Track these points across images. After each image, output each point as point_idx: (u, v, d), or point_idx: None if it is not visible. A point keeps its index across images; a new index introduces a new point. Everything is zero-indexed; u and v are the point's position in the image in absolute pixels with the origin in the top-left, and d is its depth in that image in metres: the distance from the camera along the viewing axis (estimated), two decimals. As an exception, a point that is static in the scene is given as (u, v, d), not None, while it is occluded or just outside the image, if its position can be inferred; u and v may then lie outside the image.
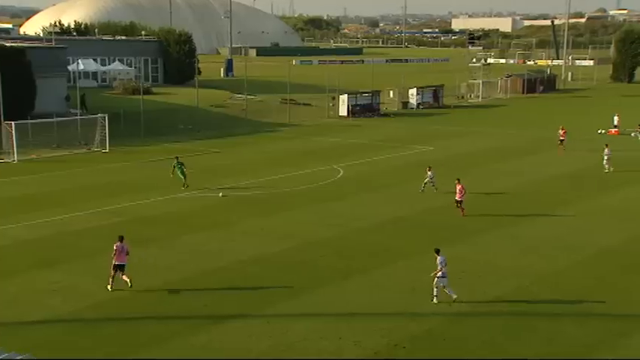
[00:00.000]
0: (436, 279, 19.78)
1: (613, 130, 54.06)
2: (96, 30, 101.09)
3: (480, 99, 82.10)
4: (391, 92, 75.44)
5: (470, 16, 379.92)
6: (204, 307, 19.55)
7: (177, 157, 35.14)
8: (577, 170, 39.73)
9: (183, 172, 34.14)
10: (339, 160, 42.71)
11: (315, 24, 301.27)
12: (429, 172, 33.49)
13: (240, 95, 69.22)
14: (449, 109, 72.99)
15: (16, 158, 41.85)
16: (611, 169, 38.08)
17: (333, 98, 67.94)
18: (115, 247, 20.63)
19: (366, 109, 67.64)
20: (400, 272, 22.37)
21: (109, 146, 45.41)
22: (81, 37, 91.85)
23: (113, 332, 17.99)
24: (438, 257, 19.94)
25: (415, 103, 73.68)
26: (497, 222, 28.41)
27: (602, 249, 25.10)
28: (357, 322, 18.55)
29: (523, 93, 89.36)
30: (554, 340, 17.50)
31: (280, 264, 23.28)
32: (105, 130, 45.59)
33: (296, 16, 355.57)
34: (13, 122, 41.97)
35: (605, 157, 38.43)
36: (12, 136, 41.73)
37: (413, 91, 74.56)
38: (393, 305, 19.64)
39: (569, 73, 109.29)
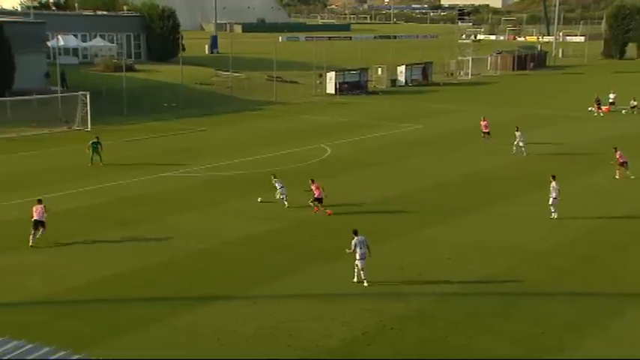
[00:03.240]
0: (356, 260, 19.64)
1: (604, 108, 54.08)
2: (76, 4, 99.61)
3: (469, 76, 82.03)
4: (379, 69, 75.18)
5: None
6: (188, 289, 19.48)
7: (97, 137, 35.19)
8: (566, 148, 39.82)
9: (97, 152, 34.29)
10: (326, 138, 42.56)
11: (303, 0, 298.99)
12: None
13: (225, 72, 68.67)
14: (438, 87, 72.87)
15: (-6, 137, 41.38)
16: (524, 152, 37.05)
17: (320, 75, 67.62)
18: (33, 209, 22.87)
19: (354, 86, 67.39)
20: (388, 252, 22.36)
21: (91, 125, 44.96)
22: (60, 12, 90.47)
23: (94, 315, 17.89)
24: (356, 238, 19.69)
25: (404, 81, 73.50)
26: (486, 201, 28.45)
27: (592, 229, 25.21)
28: (345, 302, 18.55)
29: (513, 70, 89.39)
30: (543, 320, 17.60)
31: (267, 245, 23.22)
32: (86, 108, 45.11)
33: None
34: (-9, 99, 41.43)
35: (520, 143, 37.16)
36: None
37: (401, 69, 74.34)
38: (380, 286, 19.64)
39: (560, 50, 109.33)
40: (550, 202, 26.08)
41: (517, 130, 37.86)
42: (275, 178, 28.19)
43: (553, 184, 26.13)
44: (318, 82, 67.12)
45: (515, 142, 37.35)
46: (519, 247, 23.12)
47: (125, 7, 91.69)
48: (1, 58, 49.95)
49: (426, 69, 76.80)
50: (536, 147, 39.63)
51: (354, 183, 31.81)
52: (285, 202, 27.44)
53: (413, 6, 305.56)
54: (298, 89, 66.74)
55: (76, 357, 9.45)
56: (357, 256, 19.66)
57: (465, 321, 17.58)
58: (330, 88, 65.88)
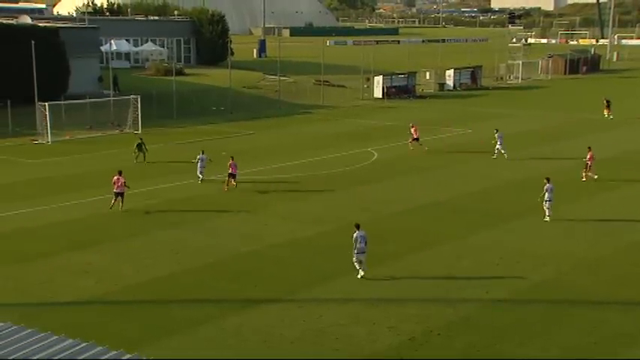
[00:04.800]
0: (355, 254, 20.24)
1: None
2: (129, 10, 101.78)
3: (519, 80, 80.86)
4: (427, 73, 74.73)
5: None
6: (237, 291, 19.69)
7: (141, 139, 37.54)
8: (620, 154, 38.93)
9: (142, 151, 36.58)
10: (373, 142, 42.50)
11: (350, 3, 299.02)
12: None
13: (273, 76, 69.20)
14: (487, 91, 72.04)
15: (49, 139, 42.51)
16: (505, 154, 36.70)
17: (368, 79, 67.55)
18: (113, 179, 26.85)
19: (401, 90, 67.13)
20: (436, 257, 22.23)
21: (142, 128, 45.86)
22: (114, 17, 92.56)
23: (145, 315, 18.23)
24: (357, 232, 20.30)
25: (452, 85, 72.89)
26: (535, 207, 27.96)
27: (647, 236, 24.59)
28: (391, 307, 18.50)
29: (565, 74, 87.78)
30: (596, 329, 17.23)
31: (314, 248, 23.32)
32: (137, 111, 46.02)
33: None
34: (47, 103, 42.54)
35: (498, 145, 36.95)
36: (46, 117, 42.37)
37: (450, 72, 73.75)
38: (428, 291, 19.54)
39: (615, 53, 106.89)
40: (545, 206, 26.06)
41: (496, 132, 37.70)
42: (202, 154, 32.17)
43: (547, 185, 26.09)
44: (365, 86, 67.07)
45: (495, 144, 37.21)
46: (570, 253, 22.69)
47: (176, 12, 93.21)
48: (57, 62, 51.35)
49: (475, 73, 76.03)
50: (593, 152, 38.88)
51: (401, 187, 31.67)
52: (201, 175, 31.76)
53: (462, 10, 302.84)
54: (345, 93, 66.79)
55: (127, 357, 9.65)
56: (356, 251, 20.20)
57: (513, 328, 17.34)
58: (378, 92, 65.75)
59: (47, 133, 42.60)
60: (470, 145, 41.79)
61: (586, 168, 32.47)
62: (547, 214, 26.12)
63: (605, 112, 52.83)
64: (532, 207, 28.08)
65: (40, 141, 42.83)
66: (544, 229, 25.33)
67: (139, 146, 36.89)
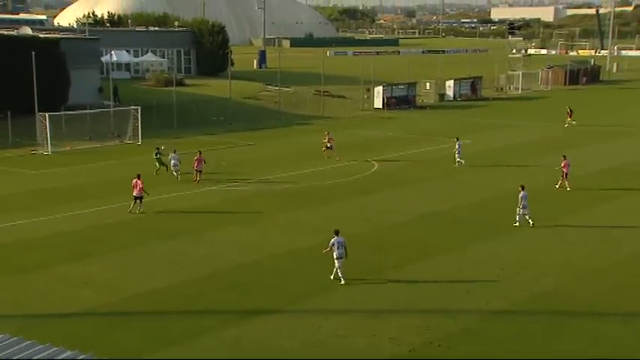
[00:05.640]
0: (334, 260, 20.64)
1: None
2: (129, 21, 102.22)
3: (519, 91, 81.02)
4: (427, 84, 74.91)
5: (510, 5, 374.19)
6: (235, 302, 19.67)
7: (157, 148, 37.10)
8: (620, 165, 38.96)
9: (161, 162, 36.19)
10: (373, 153, 42.55)
11: (351, 14, 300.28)
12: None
13: (273, 87, 69.36)
14: (487, 102, 72.19)
15: (49, 150, 42.57)
16: (462, 162, 37.97)
17: (368, 90, 67.70)
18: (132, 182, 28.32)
19: (401, 101, 67.27)
20: (436, 268, 22.21)
21: (142, 138, 45.91)
22: (114, 28, 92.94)
23: (144, 326, 18.19)
24: (335, 238, 20.70)
25: (452, 95, 73.05)
26: (536, 218, 27.98)
27: (648, 246, 24.57)
28: (391, 318, 18.47)
29: (565, 85, 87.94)
30: (597, 340, 17.20)
31: (313, 258, 23.26)
32: (138, 122, 46.09)
33: (331, 6, 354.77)
34: (47, 114, 42.63)
35: (456, 153, 38.18)
36: (46, 127, 42.44)
37: (450, 83, 73.94)
38: (428, 302, 19.51)
39: (615, 64, 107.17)
40: (518, 212, 26.66)
41: (457, 140, 38.61)
42: (174, 153, 35.03)
43: (522, 193, 26.59)
44: (365, 96, 67.20)
45: (455, 152, 38.35)
46: (569, 263, 22.67)
47: (176, 23, 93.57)
48: (57, 73, 51.48)
49: (475, 84, 76.20)
50: (593, 162, 38.92)
51: (402, 198, 31.69)
52: (176, 174, 34.41)
53: (462, 20, 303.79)
54: (346, 104, 66.94)
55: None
56: (335, 255, 20.59)
57: (514, 339, 17.31)
58: (378, 103, 65.88)
59: (47, 143, 42.67)
60: (469, 156, 41.79)
61: (563, 177, 32.91)
62: (517, 219, 26.78)
63: (568, 120, 54.42)
64: (533, 217, 28.06)
65: (39, 152, 42.88)
66: (543, 240, 25.31)
67: (157, 156, 36.15)
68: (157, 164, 36.08)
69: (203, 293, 20.32)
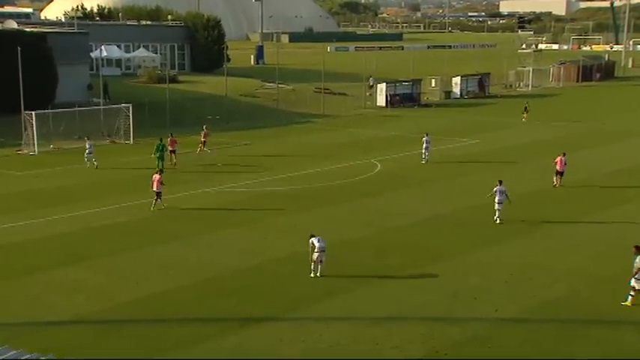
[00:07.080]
0: (316, 252, 21.84)
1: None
2: (120, 14, 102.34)
3: (529, 88, 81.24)
4: (433, 81, 75.12)
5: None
6: (233, 308, 19.82)
7: (161, 139, 38.15)
8: (635, 165, 39.14)
9: (162, 157, 36.97)
10: (376, 153, 42.73)
11: (352, 8, 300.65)
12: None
13: (271, 84, 69.53)
14: (496, 99, 72.39)
15: (36, 150, 42.68)
16: (427, 159, 39.49)
17: (371, 87, 67.85)
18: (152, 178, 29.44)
19: (405, 98, 67.47)
20: (440, 274, 22.36)
21: (133, 138, 46.06)
22: (104, 22, 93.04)
23: (139, 334, 18.33)
24: (313, 239, 22.07)
25: (459, 93, 73.23)
26: (544, 222, 28.16)
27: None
28: (395, 326, 18.62)
29: (578, 81, 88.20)
30: (610, 350, 17.35)
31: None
32: (129, 120, 46.23)
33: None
34: (33, 112, 42.68)
35: (424, 149, 39.63)
36: (32, 126, 42.53)
37: (456, 80, 74.14)
38: (433, 309, 19.67)
39: (630, 59, 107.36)
40: (495, 207, 27.49)
41: (426, 136, 39.92)
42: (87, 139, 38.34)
43: (498, 187, 27.63)
44: (368, 94, 67.38)
45: (423, 149, 39.75)
46: (582, 269, 22.83)
47: (169, 17, 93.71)
48: (45, 69, 51.58)
49: (482, 80, 76.41)
50: (607, 163, 39.11)
51: (405, 199, 31.86)
52: (95, 163, 37.31)
53: (469, 14, 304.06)
54: (347, 101, 67.11)
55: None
56: (317, 249, 21.90)
57: (523, 348, 17.45)
58: (381, 101, 66.07)
59: (33, 143, 42.76)
60: (475, 157, 42.01)
61: (555, 173, 33.92)
62: (497, 215, 27.56)
63: (524, 116, 56.67)
64: (541, 221, 28.27)
65: (25, 152, 42.99)
66: (554, 245, 25.47)
67: (159, 149, 37.38)
68: (157, 158, 36.86)
69: (201, 299, 20.47)
